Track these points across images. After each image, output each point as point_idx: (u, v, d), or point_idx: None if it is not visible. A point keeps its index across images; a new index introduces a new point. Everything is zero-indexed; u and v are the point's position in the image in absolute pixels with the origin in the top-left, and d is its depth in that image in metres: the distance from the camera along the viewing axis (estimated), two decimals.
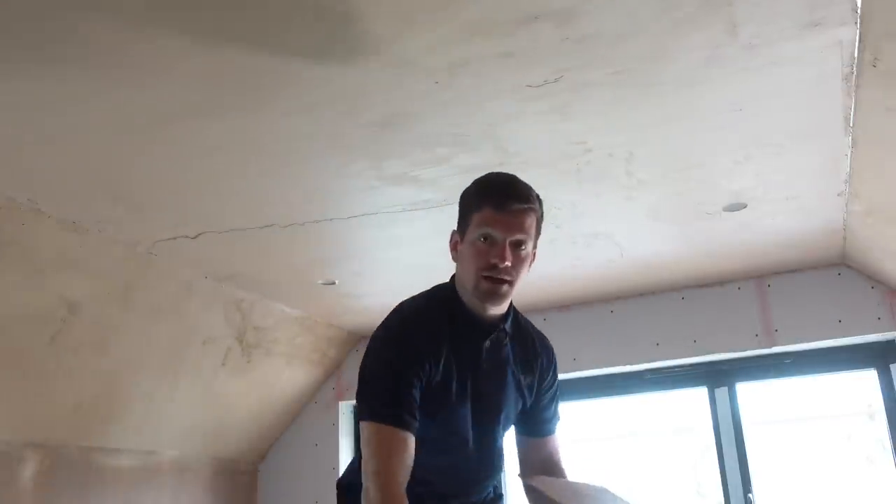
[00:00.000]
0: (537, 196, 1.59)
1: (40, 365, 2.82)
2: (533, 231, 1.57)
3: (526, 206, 1.55)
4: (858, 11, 1.65)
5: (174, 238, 2.75)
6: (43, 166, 2.19)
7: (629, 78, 1.91)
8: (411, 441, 1.49)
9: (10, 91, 1.81)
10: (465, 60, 1.80)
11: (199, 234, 2.74)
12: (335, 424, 4.26)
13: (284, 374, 4.04)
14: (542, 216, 1.60)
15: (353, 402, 4.31)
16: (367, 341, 1.64)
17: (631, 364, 3.81)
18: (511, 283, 1.57)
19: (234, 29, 1.64)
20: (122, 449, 3.42)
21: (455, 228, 1.63)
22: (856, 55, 1.81)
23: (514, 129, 2.14)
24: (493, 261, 1.53)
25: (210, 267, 3.08)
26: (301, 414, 4.35)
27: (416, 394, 1.53)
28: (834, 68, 1.88)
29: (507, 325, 1.67)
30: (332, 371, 4.35)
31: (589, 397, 4.03)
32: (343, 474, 1.83)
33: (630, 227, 2.94)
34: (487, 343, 1.64)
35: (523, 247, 1.56)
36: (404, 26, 1.67)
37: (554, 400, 1.79)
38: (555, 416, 1.80)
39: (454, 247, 1.63)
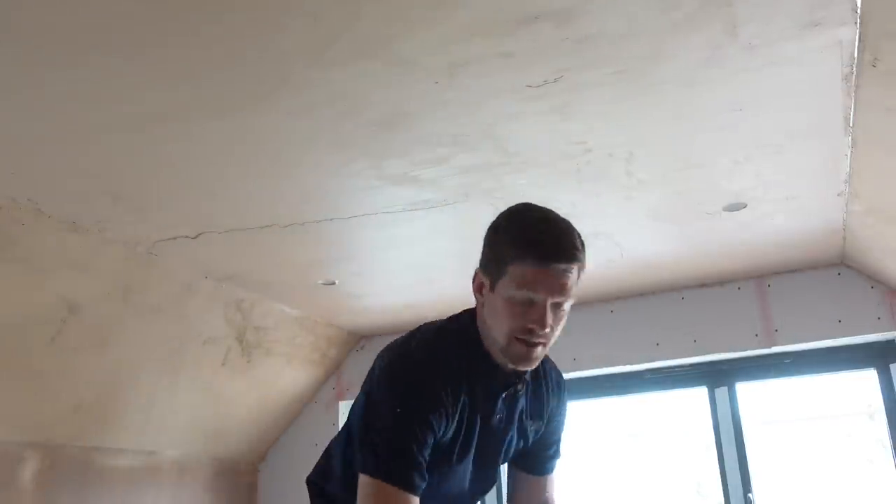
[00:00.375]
0: (583, 244, 1.41)
1: (40, 365, 2.82)
2: (576, 287, 1.39)
3: (574, 263, 1.36)
4: (858, 11, 1.65)
5: (174, 238, 2.75)
6: (43, 166, 2.19)
7: (629, 78, 1.91)
8: None
9: (11, 91, 1.81)
10: (465, 60, 1.80)
11: (199, 234, 2.74)
12: (335, 424, 4.25)
13: (284, 374, 4.04)
14: (585, 265, 1.41)
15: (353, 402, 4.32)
16: (378, 366, 1.48)
17: (631, 364, 3.80)
18: (546, 345, 1.42)
19: (234, 29, 1.64)
20: (122, 449, 3.42)
21: (480, 268, 1.45)
22: (856, 55, 1.81)
23: (514, 129, 2.14)
24: (532, 325, 1.37)
25: (210, 267, 3.08)
26: (301, 414, 4.35)
27: (428, 452, 1.39)
28: (834, 68, 1.88)
29: (528, 374, 1.53)
30: (332, 371, 4.35)
31: (589, 397, 4.03)
32: (313, 471, 1.70)
33: (630, 227, 2.94)
34: (504, 394, 1.50)
35: (564, 306, 1.39)
36: (404, 26, 1.67)
37: (557, 440, 1.69)
38: (556, 455, 1.70)
39: (479, 289, 1.45)
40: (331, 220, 2.70)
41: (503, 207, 2.71)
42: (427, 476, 1.39)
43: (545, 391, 1.62)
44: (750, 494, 3.55)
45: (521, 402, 1.56)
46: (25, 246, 2.50)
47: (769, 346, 3.56)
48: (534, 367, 1.47)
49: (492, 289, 1.42)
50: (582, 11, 1.64)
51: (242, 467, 4.24)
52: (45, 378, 2.88)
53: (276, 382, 4.02)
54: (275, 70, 1.79)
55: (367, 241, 2.95)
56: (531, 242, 1.37)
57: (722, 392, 3.73)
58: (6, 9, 1.52)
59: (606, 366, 3.83)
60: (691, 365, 3.80)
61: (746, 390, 3.74)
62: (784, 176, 2.52)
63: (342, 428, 1.67)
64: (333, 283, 3.39)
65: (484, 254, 1.46)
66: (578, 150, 2.29)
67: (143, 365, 3.24)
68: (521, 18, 1.65)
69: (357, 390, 4.10)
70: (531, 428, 1.60)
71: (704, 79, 1.92)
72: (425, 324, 1.57)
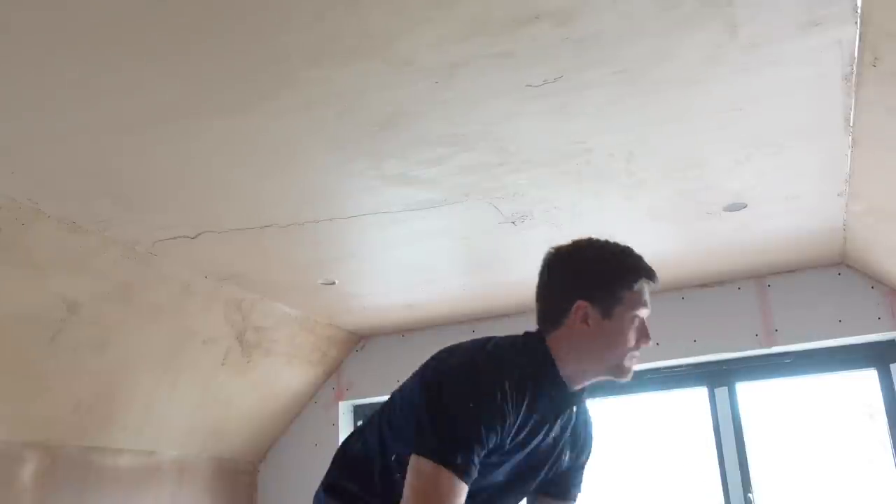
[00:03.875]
0: None
1: (40, 365, 2.82)
2: None
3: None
4: (858, 11, 1.65)
5: (174, 238, 2.75)
6: (43, 166, 2.19)
7: (629, 78, 1.91)
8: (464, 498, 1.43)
9: (11, 91, 1.81)
10: (465, 60, 1.80)
11: (199, 234, 2.74)
12: (335, 424, 4.26)
13: (284, 374, 4.04)
14: None
15: (353, 402, 4.32)
16: (441, 374, 1.51)
17: None
18: None
19: (234, 28, 1.64)
20: (122, 449, 3.42)
21: (584, 299, 1.55)
22: (856, 55, 1.81)
23: (513, 129, 2.14)
24: (644, 339, 1.56)
25: (210, 267, 3.08)
26: (301, 414, 4.35)
27: (484, 454, 1.45)
28: (834, 68, 1.88)
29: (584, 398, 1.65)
30: (332, 371, 4.34)
31: (589, 397, 4.02)
32: (330, 477, 1.69)
33: (630, 227, 2.93)
34: (562, 415, 1.60)
35: None
36: (404, 26, 1.67)
37: (582, 473, 1.76)
38: (580, 485, 1.75)
39: (584, 319, 1.54)
40: (331, 220, 2.70)
41: (503, 207, 2.74)
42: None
43: (581, 426, 1.71)
44: (750, 494, 3.55)
45: (567, 430, 1.64)
46: (25, 246, 2.50)
47: (769, 346, 3.56)
48: None
49: (607, 316, 1.54)
50: (582, 11, 1.64)
51: (242, 467, 4.24)
52: (44, 378, 2.88)
53: (276, 382, 4.02)
54: (275, 70, 1.79)
55: (367, 241, 2.95)
56: (639, 267, 1.59)
57: (722, 392, 3.73)
58: (6, 9, 1.52)
59: None
60: (691, 365, 3.80)
61: (746, 390, 3.74)
62: (784, 176, 2.52)
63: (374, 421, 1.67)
64: (333, 283, 3.39)
65: (586, 286, 1.56)
66: (578, 150, 2.29)
67: (143, 365, 3.24)
68: (521, 18, 1.65)
69: (356, 390, 4.10)
70: (566, 456, 1.67)
71: (705, 78, 1.92)
72: (496, 337, 1.62)
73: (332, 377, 4.35)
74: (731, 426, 3.67)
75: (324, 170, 2.33)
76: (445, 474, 1.39)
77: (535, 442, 1.56)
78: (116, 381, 3.18)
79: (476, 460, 1.43)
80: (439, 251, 3.09)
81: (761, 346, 3.57)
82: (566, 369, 1.57)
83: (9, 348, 2.69)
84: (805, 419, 3.98)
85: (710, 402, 3.75)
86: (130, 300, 2.97)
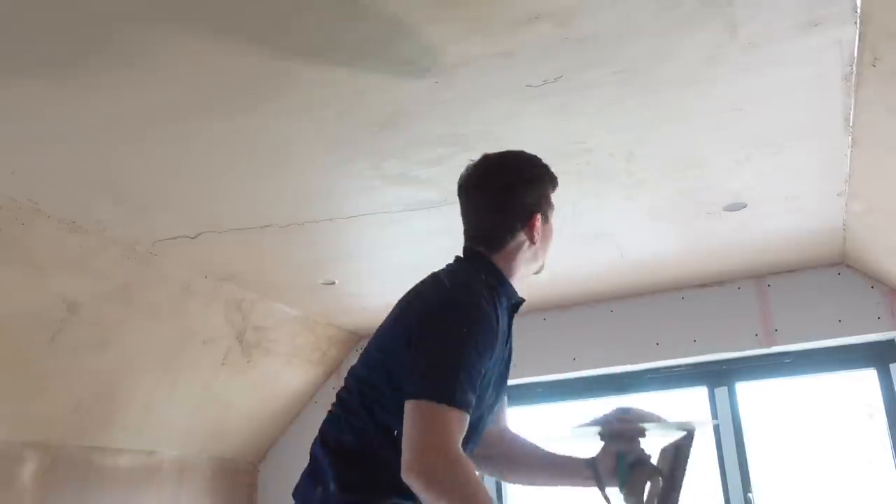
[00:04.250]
0: None
1: (40, 365, 2.82)
2: None
3: None
4: (858, 11, 1.65)
5: (174, 238, 2.75)
6: (43, 166, 2.19)
7: (629, 78, 1.91)
8: None
9: (11, 91, 1.81)
10: (465, 60, 1.80)
11: (199, 234, 2.74)
12: None
13: (284, 374, 4.04)
14: None
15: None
16: (424, 317, 1.49)
17: (631, 364, 3.80)
18: None
19: (234, 29, 1.64)
20: (122, 449, 3.42)
21: (535, 213, 1.64)
22: (856, 55, 1.81)
23: (513, 129, 2.14)
24: None
25: (210, 267, 3.08)
26: (301, 414, 4.35)
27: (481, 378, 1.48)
28: (834, 68, 1.88)
29: None
30: (332, 371, 4.35)
31: (589, 397, 4.03)
32: (343, 477, 1.67)
33: (630, 227, 2.94)
34: (514, 315, 1.66)
35: None
36: (404, 26, 1.67)
37: None
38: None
39: (536, 230, 1.64)
40: (331, 220, 2.70)
41: None
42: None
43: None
44: (750, 494, 3.55)
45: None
46: (25, 246, 2.50)
47: (769, 346, 3.56)
48: None
49: (546, 221, 1.67)
50: (582, 11, 1.64)
51: (242, 467, 4.24)
52: (44, 378, 2.88)
53: (276, 382, 4.02)
54: (275, 70, 1.79)
55: (366, 241, 2.95)
56: (549, 170, 1.70)
57: (722, 392, 3.73)
58: (7, 9, 1.52)
59: (606, 366, 3.83)
60: (691, 365, 3.80)
61: (746, 390, 3.73)
62: (784, 176, 2.52)
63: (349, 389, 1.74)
64: (333, 283, 3.39)
65: (531, 202, 1.64)
66: (578, 150, 2.29)
67: (143, 365, 3.24)
68: (521, 18, 1.65)
69: None
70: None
71: (704, 78, 1.92)
72: (441, 270, 1.64)
73: (332, 377, 4.36)
74: (731, 426, 3.67)
75: (323, 170, 2.33)
76: (450, 413, 1.37)
77: (505, 352, 1.61)
78: (116, 381, 3.18)
79: (476, 387, 1.43)
80: (439, 251, 3.06)
81: (761, 346, 3.57)
82: (513, 278, 1.64)
83: (9, 348, 2.69)
84: (805, 419, 3.97)
85: (710, 402, 3.75)
86: (130, 300, 2.97)
